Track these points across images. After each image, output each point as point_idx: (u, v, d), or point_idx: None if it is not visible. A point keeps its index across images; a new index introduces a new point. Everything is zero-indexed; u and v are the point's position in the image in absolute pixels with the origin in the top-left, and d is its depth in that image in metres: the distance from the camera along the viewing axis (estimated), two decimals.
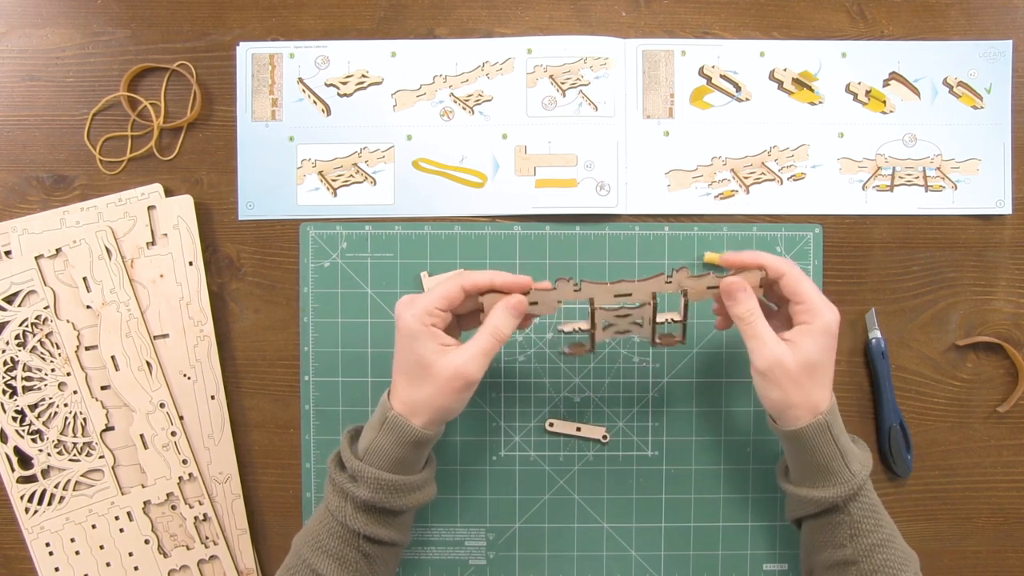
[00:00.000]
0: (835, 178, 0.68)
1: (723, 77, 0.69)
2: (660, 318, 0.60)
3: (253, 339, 0.68)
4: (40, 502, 0.66)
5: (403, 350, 0.55)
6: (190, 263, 0.67)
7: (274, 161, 0.68)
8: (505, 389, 0.68)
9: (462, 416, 0.68)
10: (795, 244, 0.68)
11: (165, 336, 0.67)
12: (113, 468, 0.67)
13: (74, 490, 0.66)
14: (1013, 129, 0.69)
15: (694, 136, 0.68)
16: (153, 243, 0.67)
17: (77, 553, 0.67)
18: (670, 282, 0.57)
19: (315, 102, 0.69)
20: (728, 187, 0.68)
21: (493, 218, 0.68)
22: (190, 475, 0.67)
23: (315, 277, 0.68)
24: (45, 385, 0.66)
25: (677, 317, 0.60)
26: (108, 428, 0.67)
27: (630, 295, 0.57)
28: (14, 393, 0.66)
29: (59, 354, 0.66)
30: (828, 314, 0.55)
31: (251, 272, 0.68)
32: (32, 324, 0.66)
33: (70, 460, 0.66)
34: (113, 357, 0.66)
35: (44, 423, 0.66)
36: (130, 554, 0.67)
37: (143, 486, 0.67)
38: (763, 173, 0.69)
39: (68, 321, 0.66)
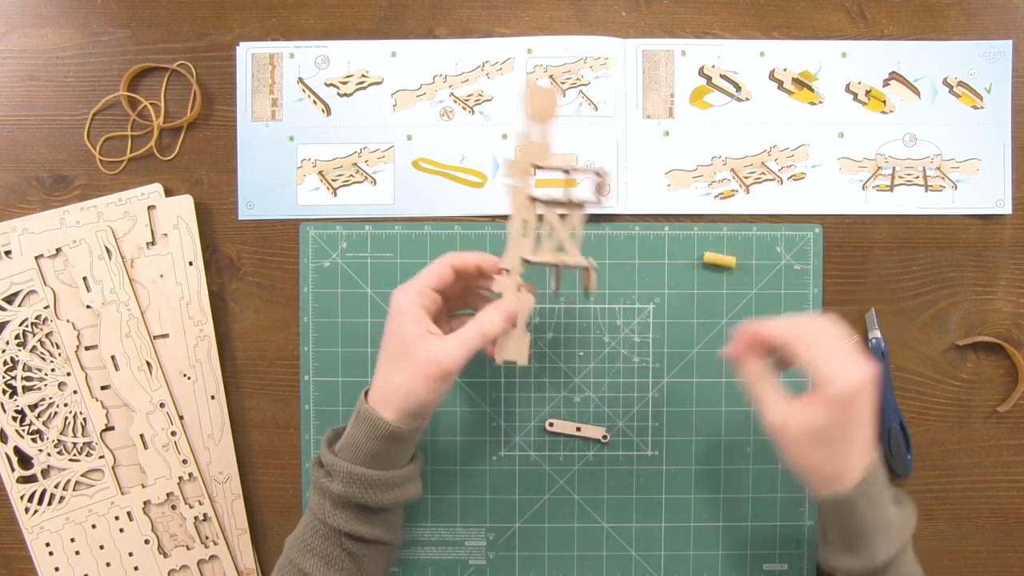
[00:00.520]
0: (835, 178, 0.68)
1: (723, 77, 0.69)
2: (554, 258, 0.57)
3: (253, 339, 0.68)
4: (40, 502, 0.66)
5: (389, 333, 0.55)
6: (190, 263, 0.67)
7: (274, 161, 0.68)
8: (505, 389, 0.68)
9: (462, 416, 0.68)
10: (795, 244, 0.68)
11: (165, 336, 0.67)
12: (113, 468, 0.67)
13: (74, 490, 0.66)
14: (1013, 129, 0.69)
15: (694, 136, 0.68)
16: (153, 243, 0.67)
17: (77, 553, 0.67)
18: (534, 196, 0.55)
19: (315, 102, 0.69)
20: (728, 187, 0.68)
21: (493, 218, 0.68)
22: (190, 475, 0.67)
23: (315, 277, 0.68)
24: (45, 385, 0.66)
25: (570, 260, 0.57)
26: (108, 428, 0.67)
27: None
28: (14, 393, 0.66)
29: (59, 354, 0.66)
30: (836, 381, 0.49)
31: (251, 272, 0.68)
32: (32, 324, 0.66)
33: (70, 460, 0.66)
34: (113, 357, 0.66)
35: (44, 423, 0.66)
36: (130, 554, 0.67)
37: (143, 486, 0.67)
38: (763, 173, 0.69)
39: (68, 321, 0.66)
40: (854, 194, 0.68)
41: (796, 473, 0.54)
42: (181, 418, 0.67)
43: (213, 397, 0.67)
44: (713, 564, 0.68)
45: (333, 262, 0.68)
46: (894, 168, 0.69)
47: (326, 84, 0.68)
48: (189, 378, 0.67)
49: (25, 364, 0.66)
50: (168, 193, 0.68)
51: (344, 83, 0.69)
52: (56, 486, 0.66)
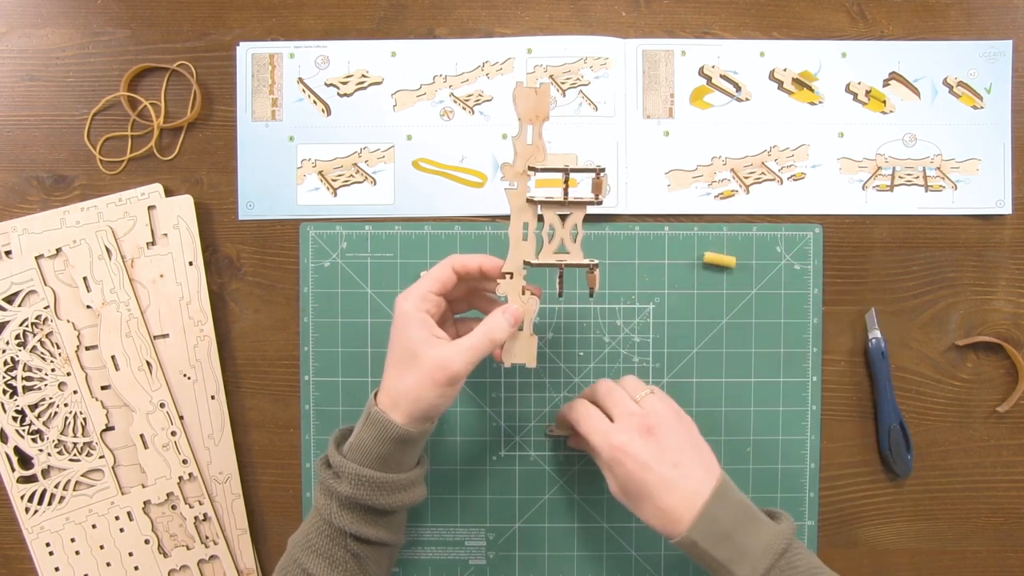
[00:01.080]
0: (835, 178, 0.68)
1: (723, 77, 0.69)
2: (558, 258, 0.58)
3: (253, 339, 0.68)
4: (40, 502, 0.66)
5: (395, 338, 0.55)
6: (190, 263, 0.67)
7: (274, 161, 0.68)
8: (505, 389, 0.68)
9: (462, 416, 0.68)
10: (795, 244, 0.68)
11: (165, 336, 0.67)
12: (113, 468, 0.67)
13: (74, 490, 0.66)
14: (1013, 129, 0.69)
15: (694, 136, 0.68)
16: (153, 243, 0.67)
17: (77, 553, 0.67)
18: (531, 197, 0.55)
19: (315, 102, 0.69)
20: (728, 187, 0.68)
21: (493, 218, 0.68)
22: (190, 475, 0.67)
23: (315, 277, 0.68)
24: (45, 385, 0.67)
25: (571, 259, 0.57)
26: (108, 428, 0.67)
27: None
28: (14, 393, 0.66)
29: (59, 354, 0.66)
30: (596, 449, 0.55)
31: (251, 272, 0.68)
32: (32, 324, 0.66)
33: (70, 460, 0.66)
34: (113, 357, 0.66)
35: (44, 423, 0.66)
36: (130, 554, 0.67)
37: (143, 486, 0.67)
38: (763, 173, 0.69)
39: (68, 321, 0.66)
40: (854, 194, 0.68)
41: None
42: (181, 418, 0.67)
43: (213, 397, 0.67)
44: None
45: (333, 262, 0.68)
46: (894, 168, 0.69)
47: (326, 84, 0.68)
48: (189, 378, 0.67)
49: (25, 364, 0.66)
50: (168, 193, 0.68)
51: (344, 83, 0.69)
52: (56, 486, 0.66)
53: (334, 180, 0.68)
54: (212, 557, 0.67)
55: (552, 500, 0.68)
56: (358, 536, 0.54)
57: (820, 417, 0.68)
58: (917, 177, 0.69)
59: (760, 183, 0.68)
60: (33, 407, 0.66)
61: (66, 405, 0.66)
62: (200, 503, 0.67)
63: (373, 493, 0.53)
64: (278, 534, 0.68)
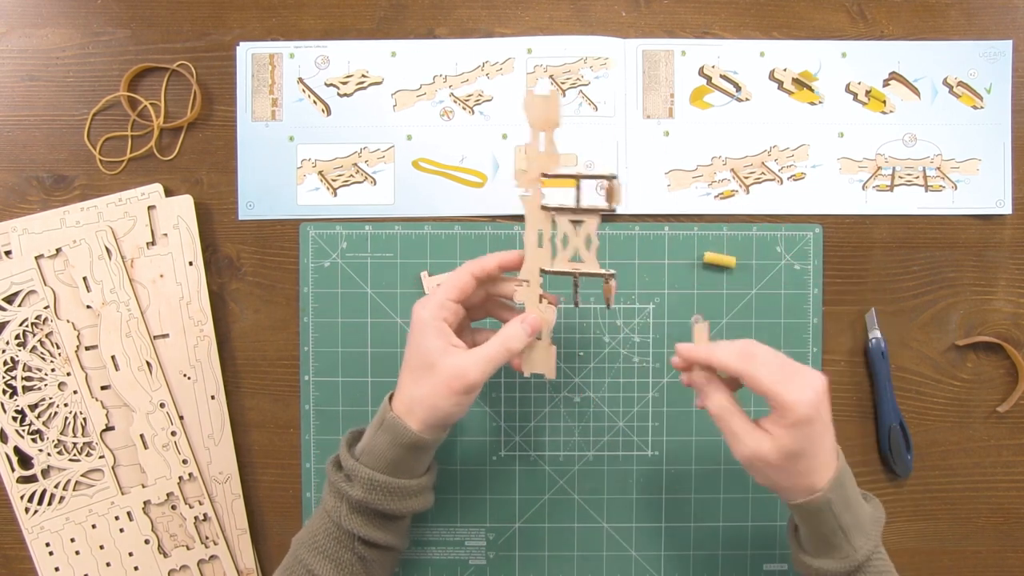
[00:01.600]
0: (835, 178, 0.68)
1: (723, 77, 0.69)
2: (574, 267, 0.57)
3: (253, 339, 0.68)
4: (40, 502, 0.66)
5: (411, 346, 0.55)
6: (190, 263, 0.67)
7: (274, 161, 0.68)
8: (505, 389, 0.68)
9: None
10: (795, 244, 0.68)
11: (165, 336, 0.67)
12: (113, 468, 0.67)
13: (74, 490, 0.66)
14: (1013, 129, 0.69)
15: (694, 136, 0.68)
16: (153, 243, 0.67)
17: (77, 553, 0.67)
18: (545, 205, 0.55)
19: (315, 102, 0.69)
20: (728, 187, 0.68)
21: (493, 218, 0.68)
22: (190, 475, 0.67)
23: (315, 277, 0.68)
24: (45, 385, 0.66)
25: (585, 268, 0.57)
26: (108, 428, 0.67)
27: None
28: (14, 393, 0.66)
29: (59, 354, 0.66)
30: (798, 407, 0.50)
31: (251, 272, 0.68)
32: (32, 324, 0.66)
33: (70, 460, 0.66)
34: (113, 357, 0.66)
35: (44, 423, 0.66)
36: (130, 554, 0.67)
37: (143, 486, 0.67)
38: (763, 173, 0.69)
39: (68, 321, 0.66)
40: (854, 194, 0.68)
41: (770, 488, 0.54)
42: (181, 418, 0.67)
43: (213, 397, 0.67)
44: (713, 564, 0.68)
45: (333, 262, 0.68)
46: (894, 168, 0.69)
47: (326, 84, 0.68)
48: (189, 378, 0.67)
49: (25, 364, 0.66)
50: (168, 193, 0.68)
51: (344, 83, 0.69)
52: (56, 486, 0.66)
53: (334, 180, 0.68)
54: (212, 557, 0.67)
55: (552, 500, 0.68)
56: (366, 540, 0.54)
57: None
58: (917, 177, 0.69)
59: (760, 183, 0.68)
60: (33, 407, 0.66)
61: (66, 405, 0.66)
62: (200, 503, 0.67)
63: (385, 498, 0.54)
64: (278, 534, 0.68)
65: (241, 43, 0.69)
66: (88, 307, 0.66)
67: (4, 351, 0.66)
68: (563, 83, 0.68)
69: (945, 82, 0.69)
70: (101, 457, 0.66)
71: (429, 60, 0.68)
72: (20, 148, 0.69)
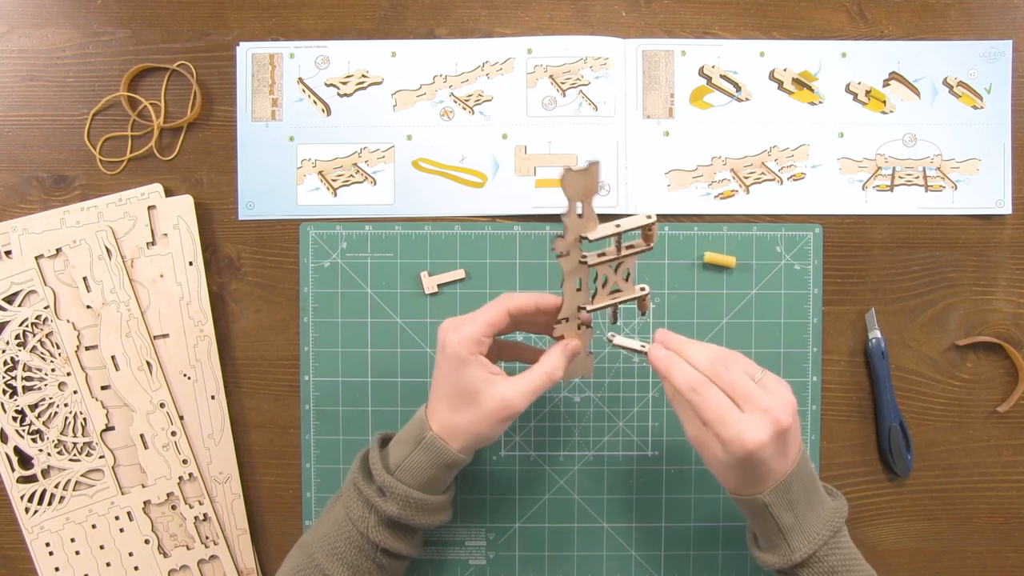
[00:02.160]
0: (835, 178, 0.68)
1: (723, 77, 0.69)
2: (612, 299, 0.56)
3: (253, 339, 0.68)
4: (40, 502, 0.66)
5: (448, 375, 0.55)
6: (190, 263, 0.67)
7: (274, 161, 0.68)
8: None
9: None
10: (795, 244, 0.68)
11: (165, 336, 0.67)
12: (113, 468, 0.67)
13: (74, 490, 0.66)
14: (1013, 129, 0.69)
15: (694, 136, 0.68)
16: (153, 243, 0.67)
17: (77, 553, 0.67)
18: (584, 259, 0.53)
19: (315, 102, 0.69)
20: (728, 187, 0.68)
21: (493, 218, 0.69)
22: (190, 475, 0.67)
23: (315, 277, 0.68)
24: (45, 385, 0.66)
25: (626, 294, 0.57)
26: (108, 428, 0.67)
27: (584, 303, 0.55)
28: (14, 393, 0.66)
29: (59, 354, 0.66)
30: (732, 447, 0.49)
31: (251, 272, 0.68)
32: (32, 324, 0.66)
33: (70, 460, 0.66)
34: (113, 357, 0.66)
35: (44, 423, 0.66)
36: (130, 554, 0.67)
37: (143, 486, 0.67)
38: (763, 173, 0.69)
39: (68, 321, 0.66)
40: (854, 194, 0.68)
41: (710, 474, 0.54)
42: (181, 418, 0.67)
43: (213, 397, 0.67)
44: (713, 564, 0.68)
45: (333, 262, 0.68)
46: (894, 168, 0.69)
47: (326, 84, 0.68)
48: (189, 378, 0.67)
49: (25, 364, 0.66)
50: (168, 193, 0.68)
51: (344, 83, 0.69)
52: (56, 486, 0.66)
53: (334, 180, 0.68)
54: (212, 557, 0.67)
55: (552, 500, 0.68)
56: (389, 551, 0.56)
57: (820, 417, 0.68)
58: (917, 177, 0.69)
59: (760, 183, 0.68)
60: (33, 407, 0.66)
61: (66, 405, 0.66)
62: (200, 503, 0.67)
63: (417, 514, 0.55)
64: (278, 534, 0.68)
65: (241, 43, 0.69)
66: (88, 307, 0.66)
67: (4, 351, 0.66)
68: (563, 83, 0.68)
69: (945, 82, 0.69)
70: (101, 457, 0.66)
71: (429, 60, 0.68)
72: (20, 148, 0.69)
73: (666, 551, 0.68)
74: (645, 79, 0.68)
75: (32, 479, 0.66)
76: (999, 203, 0.68)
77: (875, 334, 0.68)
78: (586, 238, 0.51)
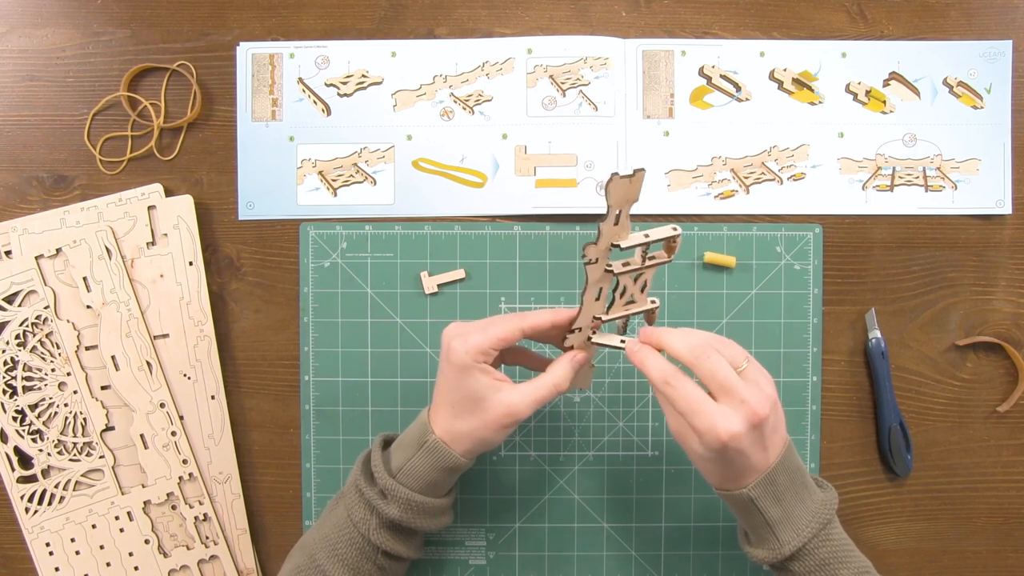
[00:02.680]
0: (835, 178, 0.68)
1: (723, 77, 0.69)
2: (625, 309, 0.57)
3: (253, 339, 0.68)
4: (40, 502, 0.66)
5: (451, 381, 0.54)
6: (190, 263, 0.67)
7: (274, 161, 0.68)
8: None
9: None
10: (795, 244, 0.68)
11: (165, 336, 0.67)
12: (113, 468, 0.67)
13: (74, 490, 0.66)
14: (1013, 129, 0.69)
15: (694, 136, 0.68)
16: (153, 243, 0.67)
17: (77, 553, 0.67)
18: (610, 268, 0.53)
19: (315, 102, 0.69)
20: (728, 187, 0.68)
21: (493, 218, 0.69)
22: (190, 475, 0.67)
23: (315, 277, 0.68)
24: (45, 385, 0.66)
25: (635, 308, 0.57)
26: (108, 428, 0.67)
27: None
28: (14, 393, 0.66)
29: (59, 354, 0.66)
30: (706, 438, 0.49)
31: (251, 272, 0.68)
32: (32, 324, 0.66)
33: (70, 460, 0.66)
34: (113, 357, 0.66)
35: (44, 423, 0.66)
36: (130, 554, 0.67)
37: (143, 486, 0.67)
38: (763, 173, 0.69)
39: (68, 321, 0.66)
40: (854, 194, 0.68)
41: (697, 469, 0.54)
42: (181, 418, 0.67)
43: (213, 397, 0.67)
44: (713, 564, 0.68)
45: (333, 262, 0.68)
46: (894, 168, 0.69)
47: (326, 84, 0.68)
48: (189, 378, 0.67)
49: (25, 364, 0.66)
50: (168, 193, 0.68)
51: (344, 83, 0.69)
52: (56, 486, 0.66)
53: (334, 180, 0.68)
54: (212, 557, 0.67)
55: (552, 500, 0.68)
56: (391, 553, 0.56)
57: (820, 417, 0.68)
58: (917, 177, 0.69)
59: (760, 183, 0.68)
60: (33, 407, 0.66)
61: (66, 405, 0.66)
62: (200, 503, 0.67)
63: (418, 517, 0.55)
64: (278, 534, 0.68)
65: (241, 43, 0.69)
66: (88, 307, 0.66)
67: (4, 351, 0.66)
68: (563, 83, 0.68)
69: (945, 82, 0.69)
70: (101, 457, 0.66)
71: (429, 60, 0.68)
72: (20, 148, 0.69)
73: (666, 551, 0.68)
74: (645, 79, 0.68)
75: (32, 479, 0.66)
76: (999, 203, 0.68)
77: (875, 334, 0.68)
78: (617, 246, 0.51)
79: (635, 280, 0.54)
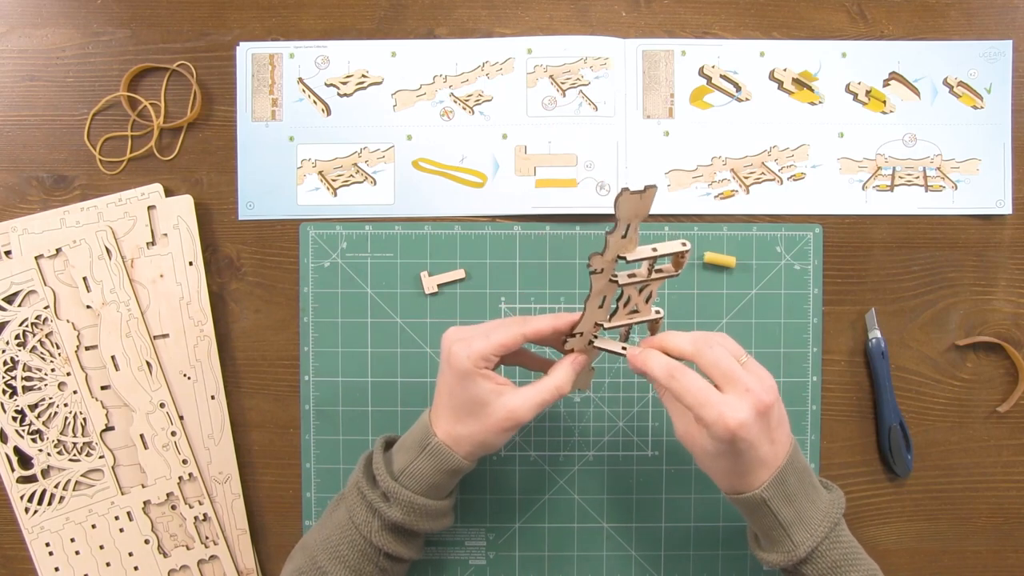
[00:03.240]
0: (835, 178, 0.68)
1: (723, 77, 0.69)
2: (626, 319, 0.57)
3: (253, 339, 0.68)
4: (40, 502, 0.66)
5: (453, 386, 0.54)
6: (190, 263, 0.67)
7: (274, 161, 0.68)
8: None
9: None
10: (795, 244, 0.68)
11: (165, 336, 0.67)
12: (113, 468, 0.67)
13: (74, 490, 0.66)
14: (1013, 129, 0.69)
15: (694, 136, 0.68)
16: (153, 243, 0.67)
17: (77, 553, 0.67)
18: (615, 279, 0.52)
19: (315, 102, 0.69)
20: (728, 187, 0.68)
21: (493, 218, 0.69)
22: (190, 475, 0.67)
23: (315, 277, 0.68)
24: (45, 385, 0.66)
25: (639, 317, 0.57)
26: (108, 428, 0.67)
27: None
28: (14, 393, 0.66)
29: (59, 354, 0.66)
30: (714, 428, 0.49)
31: (251, 272, 0.68)
32: (32, 324, 0.66)
33: (70, 460, 0.66)
34: (113, 357, 0.66)
35: (44, 423, 0.66)
36: (130, 554, 0.67)
37: (143, 486, 0.67)
38: (763, 173, 0.69)
39: (68, 321, 0.66)
40: (854, 194, 0.68)
41: (706, 474, 0.54)
42: (181, 418, 0.67)
43: (213, 397, 0.67)
44: (713, 564, 0.68)
45: (333, 262, 0.68)
46: (894, 168, 0.69)
47: (326, 84, 0.68)
48: (189, 378, 0.67)
49: (25, 364, 0.66)
50: (168, 193, 0.68)
51: (344, 83, 0.69)
52: (56, 486, 0.66)
53: (334, 180, 0.68)
54: (212, 557, 0.67)
55: (552, 500, 0.68)
56: (392, 555, 0.56)
57: (820, 417, 0.68)
58: (917, 177, 0.69)
59: (760, 183, 0.68)
60: (33, 407, 0.66)
61: (66, 405, 0.66)
62: (200, 503, 0.67)
63: (420, 519, 0.55)
64: (278, 534, 0.68)
65: (241, 43, 0.69)
66: (88, 307, 0.66)
67: (4, 351, 0.66)
68: (563, 83, 0.68)
69: (945, 82, 0.69)
70: (101, 457, 0.66)
71: (429, 60, 0.68)
72: (20, 148, 0.69)
73: (666, 551, 0.68)
74: (645, 79, 0.68)
75: (32, 479, 0.66)
76: (999, 203, 0.68)
77: (875, 334, 0.68)
78: (623, 258, 0.51)
79: (640, 291, 0.54)
